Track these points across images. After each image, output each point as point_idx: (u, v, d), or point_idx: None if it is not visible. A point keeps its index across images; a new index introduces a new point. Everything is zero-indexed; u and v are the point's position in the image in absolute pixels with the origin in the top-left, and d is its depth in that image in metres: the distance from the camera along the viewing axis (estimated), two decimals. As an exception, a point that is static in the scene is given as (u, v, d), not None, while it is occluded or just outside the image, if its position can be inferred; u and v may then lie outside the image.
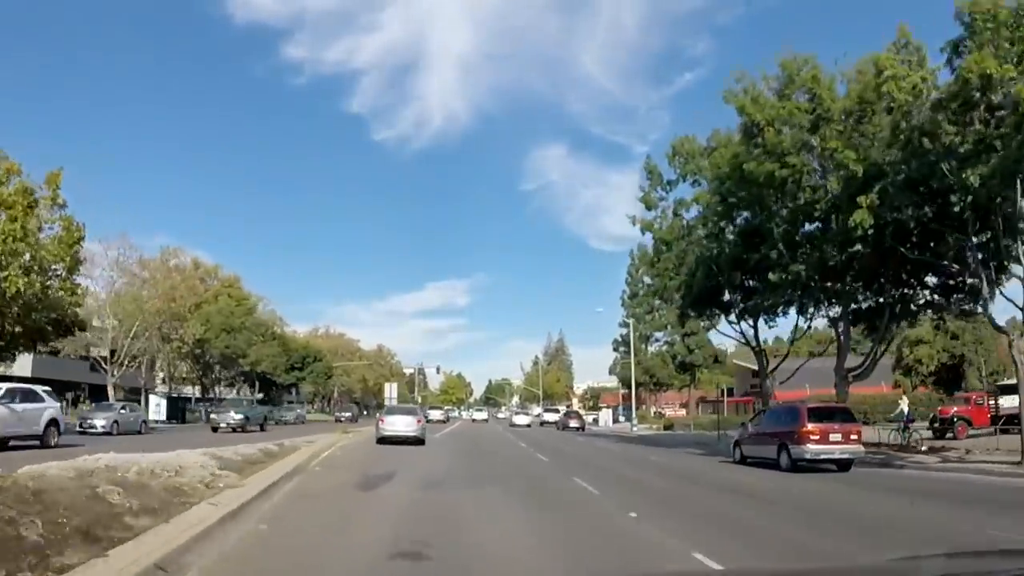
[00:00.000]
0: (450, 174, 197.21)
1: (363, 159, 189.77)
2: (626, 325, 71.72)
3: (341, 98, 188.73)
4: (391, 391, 47.73)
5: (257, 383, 67.55)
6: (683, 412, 69.65)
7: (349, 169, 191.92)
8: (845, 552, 8.04)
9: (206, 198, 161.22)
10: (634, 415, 53.63)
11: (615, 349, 72.14)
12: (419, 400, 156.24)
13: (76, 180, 65.04)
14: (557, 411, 73.70)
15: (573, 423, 57.36)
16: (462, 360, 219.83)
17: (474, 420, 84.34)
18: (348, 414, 60.38)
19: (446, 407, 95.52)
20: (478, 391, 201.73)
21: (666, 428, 53.15)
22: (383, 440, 27.72)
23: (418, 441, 28.28)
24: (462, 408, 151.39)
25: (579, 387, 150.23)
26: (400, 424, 28.69)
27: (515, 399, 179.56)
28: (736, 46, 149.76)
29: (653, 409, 77.41)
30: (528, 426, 64.13)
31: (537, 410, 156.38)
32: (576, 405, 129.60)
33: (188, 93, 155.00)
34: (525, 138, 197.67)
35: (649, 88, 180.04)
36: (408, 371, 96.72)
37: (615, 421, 63.18)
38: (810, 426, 18.39)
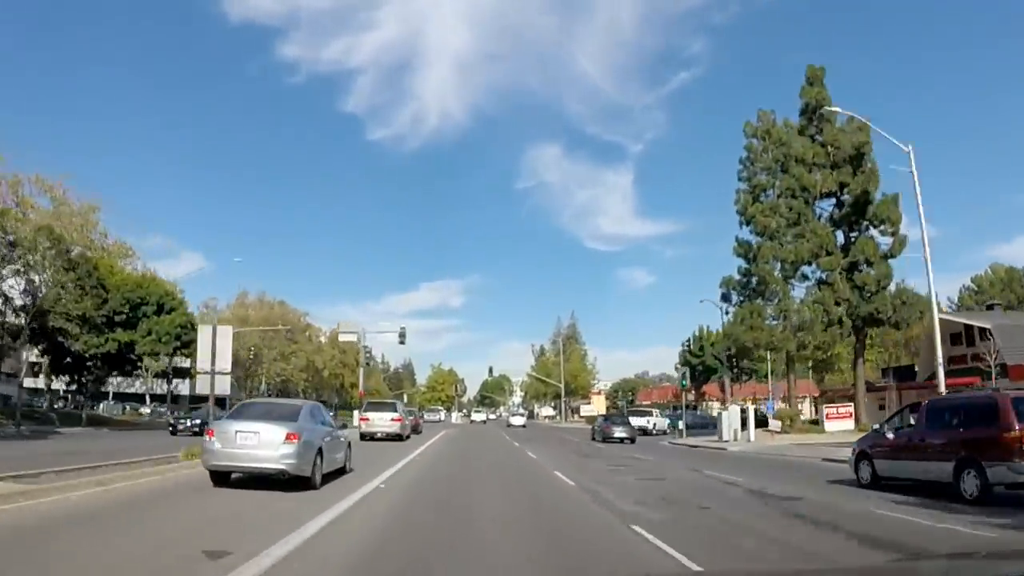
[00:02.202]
0: (445, 173, 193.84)
1: (358, 158, 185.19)
2: (747, 248, 39.24)
3: (336, 97, 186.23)
4: (205, 342, 15.78)
5: (54, 353, 34.72)
6: (847, 411, 37.30)
7: (343, 168, 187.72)
8: None
9: (198, 197, 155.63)
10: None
11: (724, 297, 39.48)
12: (404, 398, 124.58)
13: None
14: (618, 420, 42.25)
15: (619, 432, 37.19)
16: (456, 361, 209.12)
17: (472, 421, 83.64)
18: None
19: (405, 407, 46.04)
20: (472, 390, 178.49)
21: None
22: (220, 472, 13.11)
23: (303, 483, 12.94)
24: (452, 410, 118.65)
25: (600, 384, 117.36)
26: (251, 442, 12.93)
27: (515, 397, 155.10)
28: (731, 46, 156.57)
29: (770, 404, 44.87)
30: (524, 426, 63.32)
31: (548, 410, 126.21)
32: (602, 404, 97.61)
33: (182, 91, 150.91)
34: (521, 137, 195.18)
35: (644, 88, 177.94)
36: (345, 337, 63.07)
37: (758, 424, 30.53)
38: (1020, 428, 11.48)
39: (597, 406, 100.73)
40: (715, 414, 73.00)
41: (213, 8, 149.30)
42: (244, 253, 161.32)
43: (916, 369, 46.06)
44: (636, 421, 48.09)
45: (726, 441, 30.73)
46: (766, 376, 71.45)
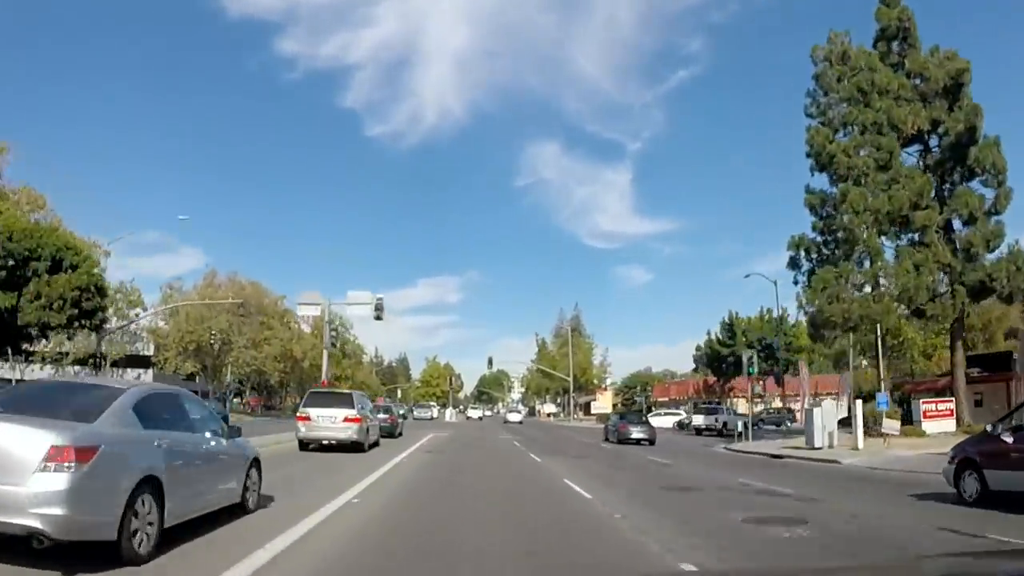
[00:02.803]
0: (443, 170, 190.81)
1: (355, 155, 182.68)
2: (822, 198, 30.83)
3: (334, 93, 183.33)
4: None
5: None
6: (948, 409, 28.96)
7: (341, 164, 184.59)
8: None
9: (196, 193, 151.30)
10: None
11: (792, 265, 30.72)
12: (399, 393, 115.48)
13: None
14: (635, 419, 36.51)
15: (637, 432, 32.98)
16: (454, 358, 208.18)
17: (469, 418, 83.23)
18: None
19: (387, 403, 44.60)
20: (469, 387, 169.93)
21: None
22: None
23: (112, 554, 5.90)
24: (447, 406, 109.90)
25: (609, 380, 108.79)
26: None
27: (514, 393, 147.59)
28: (730, 44, 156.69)
29: (830, 398, 36.32)
30: (520, 423, 64.08)
31: (551, 407, 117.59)
32: (610, 401, 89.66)
33: (180, 86, 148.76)
34: (519, 135, 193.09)
35: (643, 86, 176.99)
36: (307, 311, 53.23)
37: (873, 430, 21.58)
38: None
39: (603, 403, 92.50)
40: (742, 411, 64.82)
41: (212, 2, 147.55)
42: (240, 248, 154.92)
43: (1015, 357, 37.70)
44: (702, 420, 40.33)
45: (819, 448, 22.39)
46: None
